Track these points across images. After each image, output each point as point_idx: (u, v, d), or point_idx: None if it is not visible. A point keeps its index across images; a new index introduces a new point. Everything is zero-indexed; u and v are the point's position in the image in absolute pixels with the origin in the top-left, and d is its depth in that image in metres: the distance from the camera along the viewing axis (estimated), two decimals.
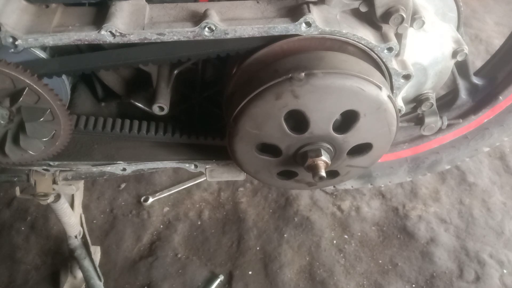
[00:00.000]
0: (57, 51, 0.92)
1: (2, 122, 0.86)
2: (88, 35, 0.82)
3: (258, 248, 1.67)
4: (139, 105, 1.07)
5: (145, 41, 0.84)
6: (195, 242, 1.69)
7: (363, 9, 0.88)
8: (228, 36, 0.85)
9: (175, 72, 1.04)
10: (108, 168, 1.10)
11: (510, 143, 2.02)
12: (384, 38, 0.89)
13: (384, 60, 0.91)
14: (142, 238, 1.70)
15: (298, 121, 0.89)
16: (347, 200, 1.82)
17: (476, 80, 1.27)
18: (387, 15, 0.86)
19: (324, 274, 1.60)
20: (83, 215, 1.47)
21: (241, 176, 1.15)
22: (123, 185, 1.87)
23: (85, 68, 0.91)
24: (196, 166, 1.13)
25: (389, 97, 0.88)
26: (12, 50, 0.82)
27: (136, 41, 0.84)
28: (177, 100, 1.09)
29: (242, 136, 0.91)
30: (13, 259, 1.63)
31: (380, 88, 0.86)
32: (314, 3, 0.87)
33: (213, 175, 1.15)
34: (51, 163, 1.07)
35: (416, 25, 0.90)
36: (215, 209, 1.80)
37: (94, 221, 1.75)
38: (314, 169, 0.92)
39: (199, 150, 1.10)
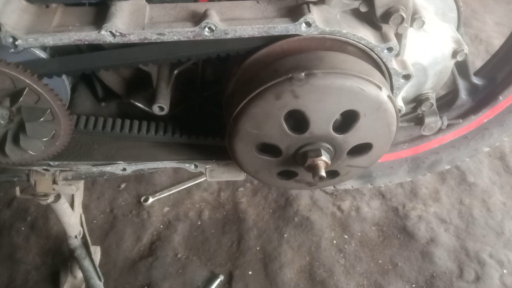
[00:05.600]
0: (57, 51, 0.92)
1: (2, 122, 0.86)
2: (88, 35, 0.82)
3: (258, 248, 1.67)
4: (139, 105, 1.07)
5: (145, 41, 0.84)
6: (195, 242, 1.69)
7: (363, 9, 0.88)
8: (228, 36, 0.85)
9: (175, 72, 1.04)
10: (108, 168, 1.10)
11: (510, 143, 2.02)
12: (384, 38, 0.89)
13: (384, 60, 0.91)
14: (142, 238, 1.70)
15: (298, 121, 0.89)
16: (347, 200, 1.82)
17: (476, 80, 1.27)
18: (387, 15, 0.86)
19: (324, 274, 1.60)
20: (83, 215, 1.47)
21: (241, 176, 1.15)
22: (123, 185, 1.87)
23: (85, 68, 0.91)
24: (196, 166, 1.13)
25: (389, 97, 0.88)
26: (12, 50, 0.82)
27: (136, 41, 0.84)
28: (177, 100, 1.09)
29: (242, 136, 0.91)
30: (13, 259, 1.63)
31: (380, 88, 0.87)
32: (314, 3, 0.87)
33: (213, 175, 1.15)
34: (51, 163, 1.07)
35: (416, 25, 0.90)
36: (215, 209, 1.80)
37: (94, 221, 1.75)
38: (314, 169, 0.92)
39: (199, 150, 1.10)
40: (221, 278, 1.59)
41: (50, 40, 0.82)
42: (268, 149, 0.95)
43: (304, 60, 0.86)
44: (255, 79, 0.88)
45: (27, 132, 0.87)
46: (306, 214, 1.77)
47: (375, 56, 0.91)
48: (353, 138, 0.93)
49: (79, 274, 1.50)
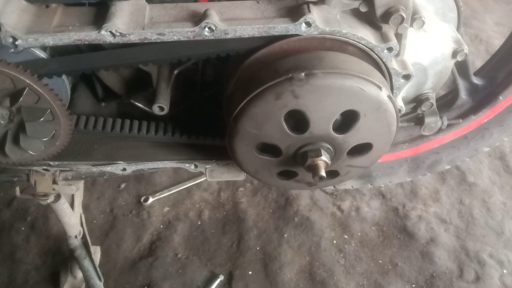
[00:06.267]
0: (57, 51, 0.92)
1: (2, 122, 0.86)
2: (88, 35, 0.82)
3: (258, 248, 1.67)
4: (139, 105, 1.07)
5: (145, 41, 0.84)
6: (195, 242, 1.69)
7: (363, 9, 0.88)
8: (228, 36, 0.85)
9: (175, 72, 1.04)
10: (108, 168, 1.10)
11: (510, 143, 2.02)
12: (384, 38, 0.89)
13: (384, 60, 0.91)
14: (142, 238, 1.70)
15: (298, 121, 0.89)
16: (347, 200, 1.82)
17: (476, 80, 1.27)
18: (387, 15, 0.86)
19: (324, 274, 1.60)
20: (83, 215, 1.47)
21: (241, 176, 1.15)
22: (123, 185, 1.87)
23: (85, 68, 0.91)
24: (196, 166, 1.13)
25: (389, 97, 0.88)
26: (12, 50, 0.82)
27: (136, 41, 0.84)
28: (177, 100, 1.09)
29: (242, 136, 0.91)
30: (13, 259, 1.63)
31: (380, 88, 0.87)
32: (314, 3, 0.87)
33: (213, 175, 1.15)
34: (51, 163, 1.07)
35: (416, 25, 0.90)
36: (215, 209, 1.80)
37: (94, 221, 1.75)
38: (314, 169, 0.92)
39: (199, 150, 1.10)
40: (221, 278, 1.59)
41: (50, 40, 0.82)
42: (268, 149, 0.95)
43: (304, 60, 0.86)
44: (255, 79, 0.88)
45: (27, 132, 0.87)
46: (306, 214, 1.77)
47: (375, 56, 0.91)
48: (353, 138, 0.93)
49: (79, 274, 1.50)
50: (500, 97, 1.25)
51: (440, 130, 1.23)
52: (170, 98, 1.05)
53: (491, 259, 1.64)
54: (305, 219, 1.75)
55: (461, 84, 1.26)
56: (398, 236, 1.71)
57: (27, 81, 0.82)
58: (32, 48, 0.86)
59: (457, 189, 1.87)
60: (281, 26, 0.85)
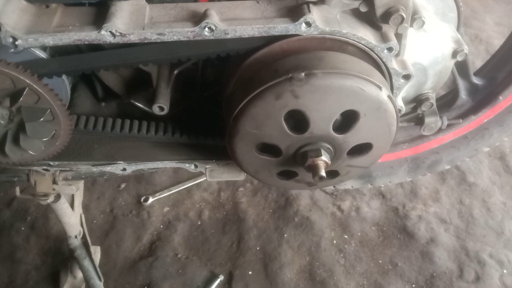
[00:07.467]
0: (57, 51, 0.92)
1: (2, 122, 0.86)
2: (88, 35, 0.82)
3: (258, 248, 1.67)
4: (139, 105, 1.07)
5: (145, 41, 0.84)
6: (195, 242, 1.69)
7: (363, 9, 0.88)
8: (228, 36, 0.85)
9: (175, 72, 1.04)
10: (108, 168, 1.10)
11: (510, 143, 2.02)
12: (384, 38, 0.89)
13: (384, 60, 0.91)
14: (142, 238, 1.70)
15: (298, 121, 0.89)
16: (347, 200, 1.82)
17: (476, 80, 1.27)
18: (387, 15, 0.86)
19: (324, 274, 1.60)
20: (83, 215, 1.47)
21: (241, 176, 1.15)
22: (123, 185, 1.87)
23: (85, 68, 0.91)
24: (196, 166, 1.13)
25: (389, 97, 0.88)
26: (12, 50, 0.82)
27: (136, 41, 0.84)
28: (177, 100, 1.09)
29: (242, 136, 0.91)
30: (13, 259, 1.63)
31: (380, 88, 0.87)
32: (314, 3, 0.87)
33: (213, 175, 1.15)
34: (51, 163, 1.07)
35: (416, 25, 0.90)
36: (215, 209, 1.80)
37: (94, 221, 1.75)
38: (314, 169, 0.92)
39: (199, 150, 1.10)
40: (221, 278, 1.59)
41: (50, 40, 0.82)
42: (268, 149, 0.95)
43: (304, 60, 0.86)
44: (255, 79, 0.88)
45: (27, 132, 0.87)
46: (306, 214, 1.77)
47: (375, 56, 0.91)
48: (353, 138, 0.93)
49: (79, 274, 1.50)
50: (500, 97, 1.25)
51: (440, 130, 1.23)
52: (170, 98, 1.05)
53: (491, 259, 1.64)
54: (305, 219, 1.75)
55: (461, 84, 1.26)
56: (398, 236, 1.72)
57: (27, 81, 0.82)
58: (32, 48, 0.86)
59: (457, 189, 1.87)
60: (281, 26, 0.85)
